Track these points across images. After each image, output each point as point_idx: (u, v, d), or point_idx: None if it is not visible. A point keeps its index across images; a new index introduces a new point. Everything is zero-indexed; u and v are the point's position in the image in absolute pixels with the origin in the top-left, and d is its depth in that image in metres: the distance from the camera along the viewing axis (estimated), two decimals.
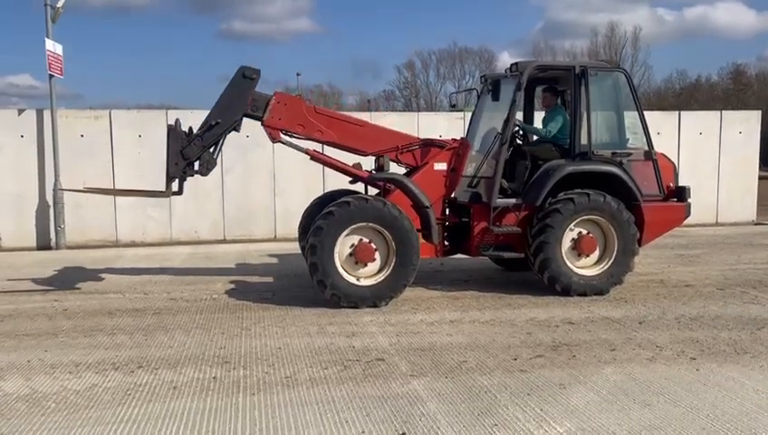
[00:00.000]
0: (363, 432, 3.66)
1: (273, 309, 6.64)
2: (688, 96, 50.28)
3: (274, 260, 9.87)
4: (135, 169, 11.72)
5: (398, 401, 4.11)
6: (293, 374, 4.63)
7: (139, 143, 11.76)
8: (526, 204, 7.10)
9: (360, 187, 7.70)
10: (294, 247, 11.06)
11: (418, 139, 7.45)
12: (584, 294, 6.98)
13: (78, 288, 7.82)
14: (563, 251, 6.97)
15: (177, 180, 6.93)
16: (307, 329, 5.86)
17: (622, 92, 7.42)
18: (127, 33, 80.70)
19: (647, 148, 7.31)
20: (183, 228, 11.98)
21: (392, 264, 6.63)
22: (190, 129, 6.95)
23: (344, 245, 6.60)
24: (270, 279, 8.29)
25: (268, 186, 12.15)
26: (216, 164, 6.97)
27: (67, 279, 8.38)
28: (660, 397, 4.15)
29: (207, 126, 6.75)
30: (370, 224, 6.58)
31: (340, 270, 6.58)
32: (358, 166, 7.38)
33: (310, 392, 4.27)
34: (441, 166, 7.25)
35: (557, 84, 7.83)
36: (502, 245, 7.23)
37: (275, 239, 12.11)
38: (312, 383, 4.44)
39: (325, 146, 7.61)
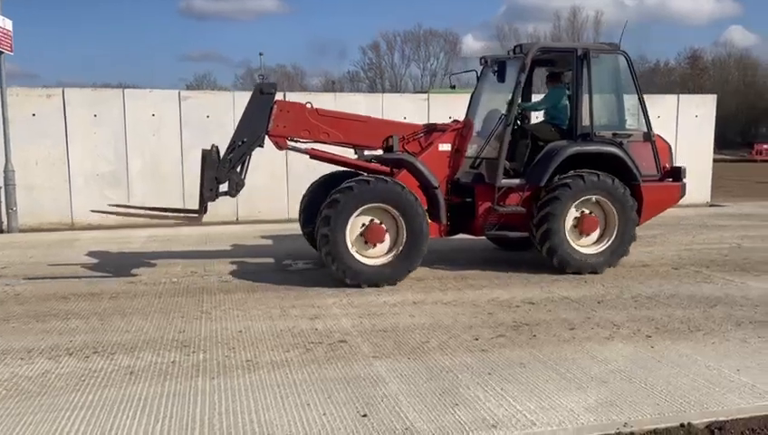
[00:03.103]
0: (325, 414, 3.65)
1: (235, 292, 6.55)
2: (647, 80, 51.27)
3: (237, 243, 9.72)
4: (91, 149, 11.40)
5: (360, 382, 4.11)
6: (254, 357, 4.58)
7: (94, 123, 11.41)
8: (530, 184, 7.20)
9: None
10: (257, 230, 10.94)
11: (422, 126, 7.52)
12: (579, 272, 7.13)
13: (31, 272, 7.56)
14: (566, 227, 7.10)
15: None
16: (269, 312, 5.79)
17: (622, 75, 7.57)
18: (84, 9, 78.12)
19: (645, 129, 7.48)
20: None
21: (401, 247, 6.68)
22: (216, 148, 6.94)
23: (356, 223, 6.62)
24: (232, 262, 8.16)
25: None
26: (244, 184, 6.97)
27: (19, 263, 8.11)
28: (617, 374, 4.24)
29: (234, 146, 6.79)
30: (385, 205, 6.62)
31: (350, 247, 6.57)
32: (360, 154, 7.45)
33: (271, 375, 4.23)
34: (445, 147, 7.32)
35: (555, 66, 7.97)
36: (505, 224, 7.33)
37: (238, 222, 11.94)
38: (273, 366, 4.40)
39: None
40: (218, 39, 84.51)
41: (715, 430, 3.48)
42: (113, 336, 5.09)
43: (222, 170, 6.76)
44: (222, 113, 11.78)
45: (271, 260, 8.25)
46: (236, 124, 6.98)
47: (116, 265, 7.99)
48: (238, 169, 6.88)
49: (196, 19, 79.38)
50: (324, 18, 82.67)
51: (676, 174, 7.61)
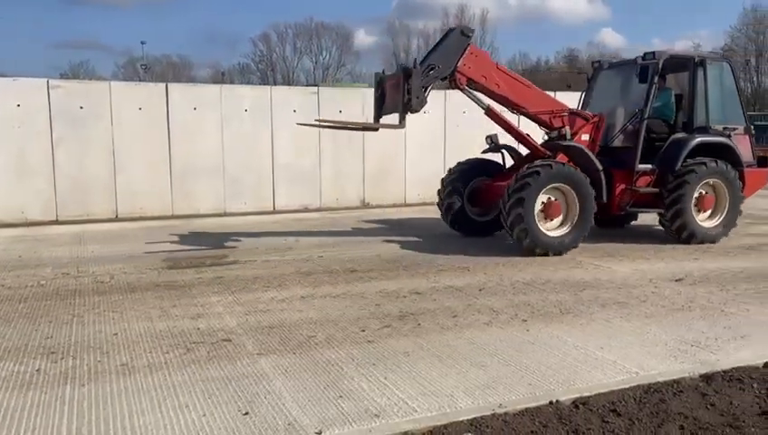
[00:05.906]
0: (204, 415, 3.53)
1: (111, 294, 6.19)
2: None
3: (114, 242, 9.19)
4: None
5: (243, 381, 4.02)
6: (130, 361, 4.35)
7: None
8: (661, 169, 8.61)
9: (485, 155, 9.19)
10: (136, 227, 10.44)
11: (567, 108, 8.70)
12: (702, 242, 8.66)
13: None
14: (691, 206, 8.56)
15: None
16: (148, 313, 5.52)
17: (727, 78, 9.24)
18: None
19: (745, 124, 9.20)
20: (7, 208, 10.74)
21: (575, 219, 8.02)
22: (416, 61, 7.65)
23: (538, 201, 7.82)
24: (109, 262, 7.70)
25: (107, 161, 11.23)
26: (426, 102, 7.65)
27: None
28: (494, 358, 4.43)
29: (429, 67, 7.63)
30: (563, 185, 7.91)
31: (538, 223, 7.79)
32: (495, 137, 8.86)
33: (148, 379, 4.04)
34: (586, 136, 8.63)
35: (664, 70, 8.91)
36: (639, 202, 8.75)
37: (117, 219, 11.26)
38: (150, 369, 4.20)
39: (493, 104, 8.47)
40: (99, 27, 79.23)
41: (580, 405, 3.72)
42: None
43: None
44: (97, 104, 11.09)
45: (152, 259, 7.87)
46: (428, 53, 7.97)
47: None
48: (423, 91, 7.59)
49: (72, 4, 73.97)
50: (211, 7, 79.89)
51: (762, 162, 9.50)
